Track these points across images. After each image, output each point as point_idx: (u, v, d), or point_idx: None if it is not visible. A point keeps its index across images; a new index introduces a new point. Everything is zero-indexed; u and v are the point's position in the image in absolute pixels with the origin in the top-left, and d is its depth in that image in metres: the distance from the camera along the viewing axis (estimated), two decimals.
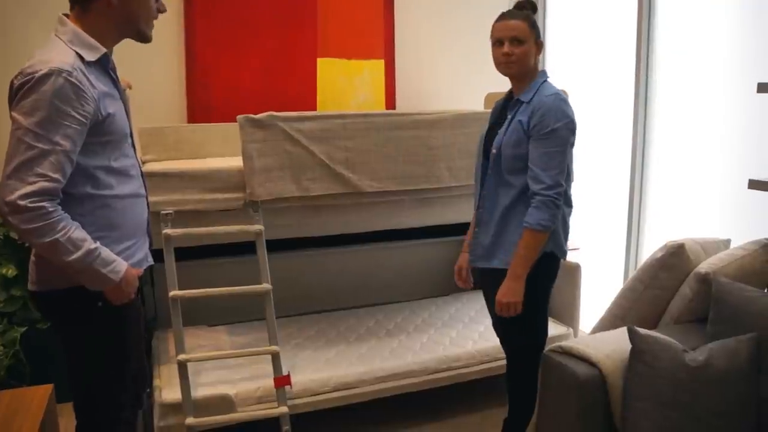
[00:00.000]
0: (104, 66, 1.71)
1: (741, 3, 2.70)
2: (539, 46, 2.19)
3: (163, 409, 2.52)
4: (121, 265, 1.71)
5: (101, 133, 1.67)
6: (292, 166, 2.66)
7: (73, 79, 1.55)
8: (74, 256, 1.59)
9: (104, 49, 1.68)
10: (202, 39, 3.45)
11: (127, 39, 1.78)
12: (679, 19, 3.01)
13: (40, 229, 1.55)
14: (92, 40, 1.66)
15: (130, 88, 2.57)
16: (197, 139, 3.34)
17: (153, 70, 3.41)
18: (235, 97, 3.54)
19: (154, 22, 1.79)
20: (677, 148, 3.05)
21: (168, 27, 3.39)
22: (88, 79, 1.61)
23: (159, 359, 2.90)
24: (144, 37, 1.78)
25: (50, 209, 1.55)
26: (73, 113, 1.56)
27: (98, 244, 1.65)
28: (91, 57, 1.65)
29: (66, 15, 1.68)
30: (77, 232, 1.61)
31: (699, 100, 2.94)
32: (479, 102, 3.64)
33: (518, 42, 2.15)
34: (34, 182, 1.53)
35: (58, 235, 1.56)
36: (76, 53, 1.62)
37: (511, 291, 2.13)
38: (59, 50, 1.60)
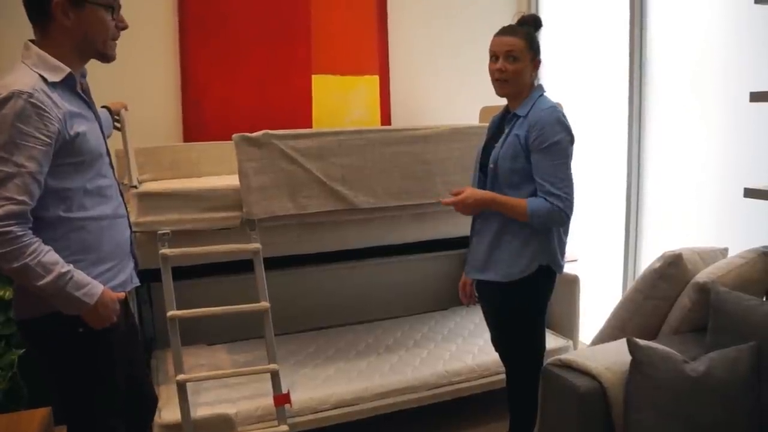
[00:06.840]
0: (71, 86, 1.70)
1: (733, 13, 2.72)
2: (537, 64, 2.19)
3: (162, 430, 2.50)
4: (96, 288, 1.67)
5: (72, 154, 1.65)
6: (288, 183, 2.67)
7: (33, 100, 1.54)
8: (45, 280, 1.56)
9: (68, 69, 1.66)
10: (197, 57, 3.47)
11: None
12: (671, 29, 3.03)
13: (9, 254, 1.52)
14: (56, 62, 1.65)
15: (126, 109, 2.57)
16: (193, 158, 3.34)
17: (149, 89, 3.41)
18: (231, 115, 3.54)
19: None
20: (673, 158, 3.06)
21: (163, 46, 3.41)
22: (51, 99, 1.59)
23: (158, 379, 2.89)
24: (105, 58, 1.76)
25: (19, 233, 1.53)
26: (37, 134, 1.54)
27: (71, 267, 1.62)
28: (54, 78, 1.63)
29: (32, 41, 1.68)
30: (48, 255, 1.58)
31: (693, 110, 2.95)
32: (474, 116, 3.65)
33: (513, 59, 2.14)
34: (1, 206, 1.51)
35: (27, 260, 1.54)
36: (40, 75, 1.61)
37: (478, 201, 2.16)
38: (21, 73, 1.60)
